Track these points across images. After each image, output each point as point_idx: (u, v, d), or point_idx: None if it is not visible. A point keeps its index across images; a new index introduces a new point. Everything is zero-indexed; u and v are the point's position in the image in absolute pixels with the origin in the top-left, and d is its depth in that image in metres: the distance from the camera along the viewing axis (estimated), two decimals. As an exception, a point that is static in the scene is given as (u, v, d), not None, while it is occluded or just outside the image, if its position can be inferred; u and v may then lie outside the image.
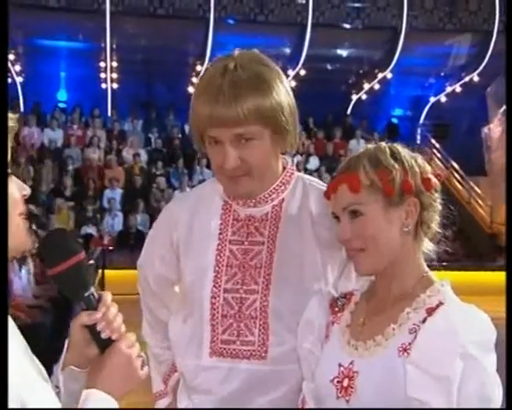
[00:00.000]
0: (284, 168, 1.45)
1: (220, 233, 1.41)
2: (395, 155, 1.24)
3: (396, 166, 1.21)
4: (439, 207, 1.24)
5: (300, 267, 1.38)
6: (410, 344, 1.11)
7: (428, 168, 1.24)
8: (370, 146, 1.29)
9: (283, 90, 1.36)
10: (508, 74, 1.55)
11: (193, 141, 1.39)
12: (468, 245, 12.01)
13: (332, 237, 1.31)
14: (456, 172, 14.25)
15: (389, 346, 1.14)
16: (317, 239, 1.39)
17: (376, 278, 1.24)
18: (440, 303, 1.14)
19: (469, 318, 1.12)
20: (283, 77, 1.39)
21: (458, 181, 14.17)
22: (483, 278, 10.10)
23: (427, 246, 1.24)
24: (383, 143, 1.29)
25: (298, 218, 1.41)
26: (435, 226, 1.23)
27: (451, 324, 1.10)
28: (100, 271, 7.37)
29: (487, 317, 1.13)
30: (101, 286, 7.32)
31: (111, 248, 10.40)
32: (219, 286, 1.37)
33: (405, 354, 1.11)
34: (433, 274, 1.24)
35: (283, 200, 1.42)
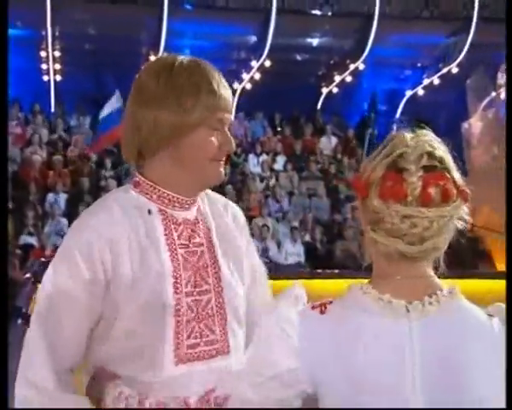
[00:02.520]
0: None
1: (167, 239, 1.51)
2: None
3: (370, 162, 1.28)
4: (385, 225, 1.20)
5: (239, 262, 1.62)
6: None
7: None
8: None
9: None
10: (508, 74, 1.60)
11: (159, 132, 1.46)
12: (448, 250, 12.21)
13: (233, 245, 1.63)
14: (435, 171, 14.50)
15: None
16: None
17: None
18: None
19: None
20: None
21: (437, 181, 14.42)
22: (463, 286, 10.27)
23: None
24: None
25: (213, 220, 1.64)
26: (383, 240, 1.20)
27: None
28: (39, 286, 7.24)
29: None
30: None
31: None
32: (181, 292, 1.48)
33: None
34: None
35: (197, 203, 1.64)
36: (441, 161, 1.23)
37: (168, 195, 1.52)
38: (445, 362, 1.14)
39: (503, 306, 1.24)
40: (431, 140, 1.25)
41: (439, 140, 1.28)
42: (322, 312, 1.21)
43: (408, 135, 1.25)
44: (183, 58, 1.54)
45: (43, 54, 14.07)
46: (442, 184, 1.19)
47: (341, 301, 1.22)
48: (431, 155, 1.22)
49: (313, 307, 1.23)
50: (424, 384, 1.12)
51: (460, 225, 1.24)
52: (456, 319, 1.18)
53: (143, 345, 1.45)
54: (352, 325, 1.17)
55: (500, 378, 1.15)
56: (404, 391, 1.12)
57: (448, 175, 1.21)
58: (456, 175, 1.24)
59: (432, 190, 1.18)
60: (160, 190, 1.52)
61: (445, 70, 15.19)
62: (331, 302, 1.23)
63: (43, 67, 14.33)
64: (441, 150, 1.25)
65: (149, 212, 1.51)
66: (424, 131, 1.27)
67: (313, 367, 1.19)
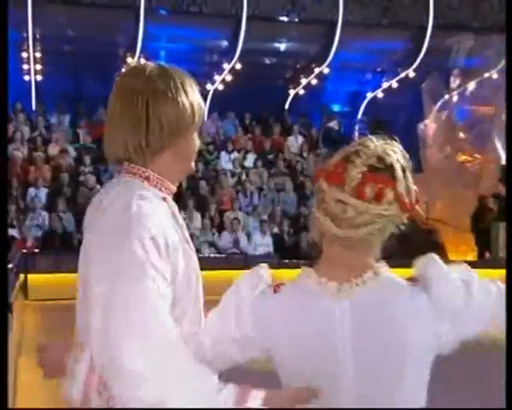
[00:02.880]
0: None
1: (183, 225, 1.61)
2: None
3: None
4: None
5: None
6: None
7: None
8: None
9: None
10: (508, 74, 1.63)
11: (179, 130, 1.51)
12: (404, 242, 12.35)
13: None
14: (393, 168, 14.62)
15: None
16: None
17: None
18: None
19: None
20: None
21: (395, 177, 14.53)
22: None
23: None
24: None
25: None
26: (321, 218, 1.33)
27: None
28: (22, 275, 7.11)
29: None
30: (24, 292, 7.07)
31: (36, 250, 10.08)
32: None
33: None
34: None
35: None
36: (390, 167, 1.28)
37: (171, 187, 1.58)
38: (369, 334, 1.25)
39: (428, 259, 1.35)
40: (390, 149, 1.32)
41: (406, 156, 1.35)
42: (275, 291, 1.35)
43: (375, 140, 1.33)
44: (167, 65, 1.60)
45: (24, 55, 13.82)
46: (380, 185, 1.25)
47: (291, 283, 1.36)
48: (381, 159, 1.28)
49: (270, 287, 1.36)
50: (354, 354, 1.25)
51: (394, 229, 1.33)
52: (378, 296, 1.27)
53: (187, 309, 1.53)
54: (297, 303, 1.32)
55: (423, 339, 1.27)
56: (337, 363, 1.25)
57: (391, 181, 1.27)
58: (402, 185, 1.28)
59: (368, 187, 1.25)
60: (166, 183, 1.57)
61: (402, 74, 15.35)
62: (284, 284, 1.37)
63: (25, 67, 14.09)
64: (395, 160, 1.30)
65: (165, 201, 1.57)
66: (394, 142, 1.35)
67: (265, 336, 1.34)
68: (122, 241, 1.38)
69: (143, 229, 1.39)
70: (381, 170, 1.27)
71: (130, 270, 1.34)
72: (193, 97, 1.53)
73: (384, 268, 1.31)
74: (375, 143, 1.31)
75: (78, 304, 1.52)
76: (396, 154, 1.32)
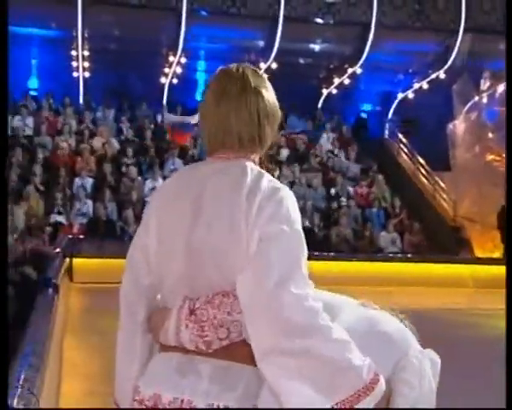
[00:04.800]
0: None
1: None
2: None
3: None
4: None
5: None
6: None
7: None
8: None
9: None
10: (508, 75, 1.59)
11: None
12: (432, 238, 12.19)
13: None
14: (422, 166, 14.44)
15: None
16: None
17: None
18: None
19: None
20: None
21: (424, 176, 14.36)
22: (446, 271, 10.16)
23: None
24: None
25: None
26: None
27: None
28: (68, 259, 7.25)
29: None
30: (69, 275, 7.20)
31: (81, 236, 10.26)
32: None
33: None
34: None
35: None
36: None
37: None
38: None
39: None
40: None
41: None
42: None
43: None
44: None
45: (73, 53, 14.06)
46: None
47: None
48: None
49: None
50: None
51: None
52: None
53: None
54: None
55: None
56: None
57: None
58: None
59: None
60: None
61: (433, 76, 15.10)
62: None
63: (74, 64, 14.33)
64: None
65: None
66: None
67: None
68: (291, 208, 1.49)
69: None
70: None
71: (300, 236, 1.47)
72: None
73: None
74: None
75: (194, 263, 1.47)
76: None
